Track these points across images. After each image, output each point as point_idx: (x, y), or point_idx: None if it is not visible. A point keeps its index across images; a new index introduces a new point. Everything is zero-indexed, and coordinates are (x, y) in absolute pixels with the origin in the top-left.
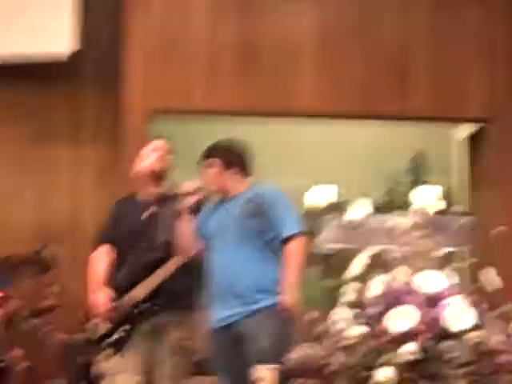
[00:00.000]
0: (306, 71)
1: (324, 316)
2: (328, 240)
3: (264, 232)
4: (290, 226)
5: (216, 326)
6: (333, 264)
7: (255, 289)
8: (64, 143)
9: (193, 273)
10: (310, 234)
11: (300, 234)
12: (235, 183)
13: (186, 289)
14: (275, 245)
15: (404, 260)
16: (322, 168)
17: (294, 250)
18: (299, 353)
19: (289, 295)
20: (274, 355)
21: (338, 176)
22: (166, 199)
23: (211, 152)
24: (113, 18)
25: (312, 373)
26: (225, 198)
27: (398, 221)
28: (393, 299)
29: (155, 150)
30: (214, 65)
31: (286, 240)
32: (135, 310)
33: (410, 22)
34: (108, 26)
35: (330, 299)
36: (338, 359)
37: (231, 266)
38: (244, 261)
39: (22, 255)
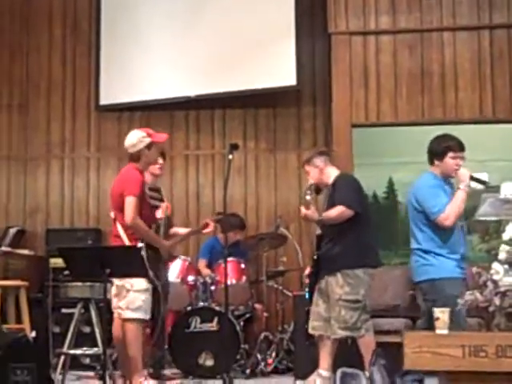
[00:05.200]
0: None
1: (485, 270)
2: (485, 213)
3: None
4: None
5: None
6: (490, 232)
7: None
8: (291, 151)
9: None
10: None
11: None
12: None
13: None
14: None
15: None
16: (479, 161)
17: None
18: (468, 297)
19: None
20: None
21: (492, 166)
22: None
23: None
24: (320, 53)
25: (478, 312)
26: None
27: None
28: None
29: None
30: (397, 88)
31: None
32: None
33: None
34: (318, 60)
35: (489, 258)
36: (496, 302)
37: None
38: None
39: (264, 233)
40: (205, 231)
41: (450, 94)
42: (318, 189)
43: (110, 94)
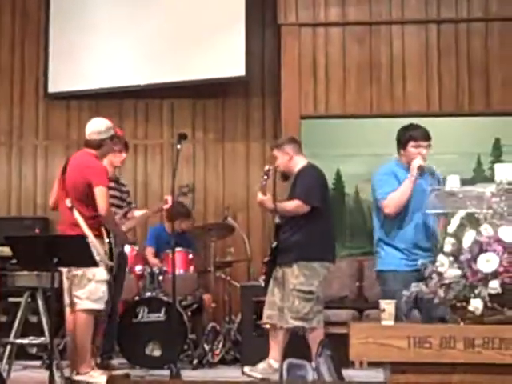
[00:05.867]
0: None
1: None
2: (432, 207)
3: None
4: None
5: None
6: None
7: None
8: (240, 141)
9: None
10: None
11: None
12: None
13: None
14: None
15: (488, 219)
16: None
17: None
18: (413, 289)
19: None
20: None
21: (438, 160)
22: None
23: (430, 136)
24: (270, 44)
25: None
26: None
27: (484, 190)
28: (480, 249)
29: None
30: (346, 80)
31: None
32: None
33: None
34: (268, 51)
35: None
36: (440, 294)
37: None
38: None
39: (212, 223)
40: (165, 207)
41: (398, 87)
42: (285, 176)
43: (58, 82)
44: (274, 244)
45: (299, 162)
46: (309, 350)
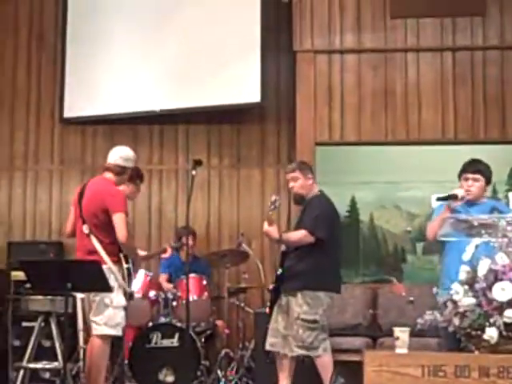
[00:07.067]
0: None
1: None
2: (446, 234)
3: None
4: None
5: None
6: None
7: None
8: (255, 167)
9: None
10: None
11: None
12: (483, 195)
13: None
14: None
15: (503, 248)
16: (441, 181)
17: None
18: (428, 317)
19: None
20: None
21: (453, 188)
22: None
23: (478, 168)
24: (285, 71)
25: (437, 332)
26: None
27: (499, 218)
28: (495, 277)
29: None
30: (361, 107)
31: None
32: None
33: None
34: (283, 78)
35: None
36: (455, 322)
37: None
38: None
39: (227, 249)
40: (163, 256)
41: (413, 115)
42: (299, 199)
43: (74, 107)
44: (279, 271)
45: (314, 189)
46: (319, 378)
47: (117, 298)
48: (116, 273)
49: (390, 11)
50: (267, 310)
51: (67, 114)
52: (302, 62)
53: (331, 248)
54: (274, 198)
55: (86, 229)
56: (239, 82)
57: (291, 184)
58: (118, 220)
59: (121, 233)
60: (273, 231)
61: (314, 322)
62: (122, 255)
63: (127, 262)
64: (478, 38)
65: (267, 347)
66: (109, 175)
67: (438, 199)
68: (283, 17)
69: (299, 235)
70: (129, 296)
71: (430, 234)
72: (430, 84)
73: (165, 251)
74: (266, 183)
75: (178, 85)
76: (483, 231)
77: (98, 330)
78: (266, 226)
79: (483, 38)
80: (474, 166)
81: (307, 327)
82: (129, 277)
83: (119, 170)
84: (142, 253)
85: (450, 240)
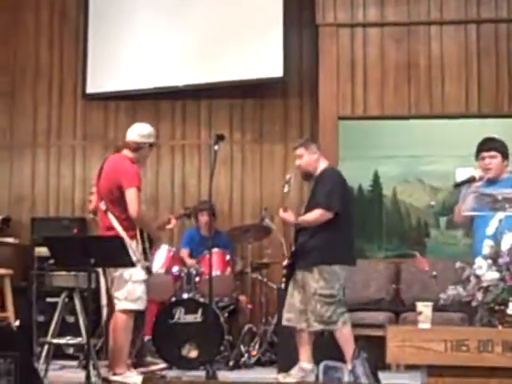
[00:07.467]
0: None
1: (468, 265)
2: (471, 209)
3: None
4: None
5: None
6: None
7: None
8: (277, 142)
9: None
10: None
11: None
12: (503, 170)
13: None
14: None
15: None
16: (464, 156)
17: None
18: (451, 292)
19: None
20: None
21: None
22: None
23: (493, 146)
24: (308, 45)
25: (460, 307)
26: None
27: None
28: None
29: None
30: (384, 81)
31: None
32: None
33: None
34: (306, 52)
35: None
36: (478, 297)
37: None
38: None
39: (249, 224)
40: (167, 227)
41: (437, 89)
42: (307, 175)
43: (96, 83)
44: (294, 247)
45: (321, 165)
46: (340, 351)
47: (135, 272)
48: (133, 247)
49: None
50: (283, 285)
51: (89, 89)
52: (324, 36)
53: (344, 221)
54: (288, 176)
55: (103, 205)
56: (262, 56)
57: (297, 162)
58: (129, 195)
59: (132, 207)
60: (289, 216)
61: (332, 296)
62: (138, 230)
63: (143, 237)
64: (502, 11)
65: (284, 322)
66: (126, 152)
67: (456, 185)
68: None
69: (316, 215)
70: (146, 270)
71: (458, 218)
72: (453, 57)
73: (169, 221)
74: (288, 158)
75: (201, 60)
76: (507, 205)
77: (119, 304)
78: (281, 212)
79: (508, 11)
80: (488, 144)
81: (325, 302)
82: (144, 251)
83: (136, 147)
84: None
85: (477, 217)
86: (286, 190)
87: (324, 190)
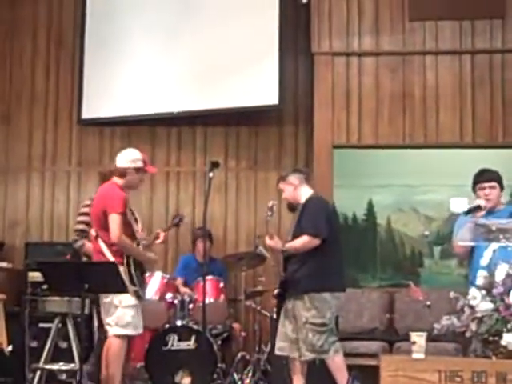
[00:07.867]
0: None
1: (462, 295)
2: (464, 239)
3: None
4: None
5: None
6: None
7: None
8: (272, 169)
9: None
10: None
11: None
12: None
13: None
14: None
15: None
16: (459, 185)
17: None
18: (445, 322)
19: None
20: None
21: (470, 191)
22: None
23: (492, 177)
24: (303, 73)
25: (454, 337)
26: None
27: None
28: None
29: None
30: (379, 110)
31: None
32: None
33: None
34: (301, 80)
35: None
36: (472, 328)
37: None
38: None
39: (243, 252)
40: (157, 242)
41: (431, 119)
42: (292, 207)
43: (92, 108)
44: (283, 277)
45: (304, 193)
46: (333, 379)
47: (125, 298)
48: (121, 273)
49: (409, 14)
50: (274, 315)
51: (85, 115)
52: (319, 65)
53: (332, 247)
54: (271, 203)
55: (93, 231)
56: (257, 84)
57: (283, 195)
58: (112, 220)
59: (113, 233)
60: (275, 243)
61: (323, 325)
62: (125, 255)
63: (128, 261)
64: (497, 41)
65: (276, 351)
66: (116, 179)
67: (465, 214)
68: (301, 19)
69: (304, 241)
70: (135, 295)
71: (459, 249)
72: (448, 87)
73: (157, 237)
74: None
75: (196, 87)
76: (501, 236)
77: (111, 330)
78: (267, 239)
79: (502, 41)
80: (487, 176)
81: (316, 331)
82: (129, 275)
83: (122, 171)
84: (150, 254)
85: (476, 248)
86: (269, 217)
87: (308, 217)
